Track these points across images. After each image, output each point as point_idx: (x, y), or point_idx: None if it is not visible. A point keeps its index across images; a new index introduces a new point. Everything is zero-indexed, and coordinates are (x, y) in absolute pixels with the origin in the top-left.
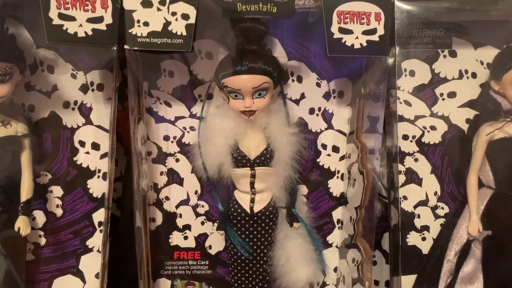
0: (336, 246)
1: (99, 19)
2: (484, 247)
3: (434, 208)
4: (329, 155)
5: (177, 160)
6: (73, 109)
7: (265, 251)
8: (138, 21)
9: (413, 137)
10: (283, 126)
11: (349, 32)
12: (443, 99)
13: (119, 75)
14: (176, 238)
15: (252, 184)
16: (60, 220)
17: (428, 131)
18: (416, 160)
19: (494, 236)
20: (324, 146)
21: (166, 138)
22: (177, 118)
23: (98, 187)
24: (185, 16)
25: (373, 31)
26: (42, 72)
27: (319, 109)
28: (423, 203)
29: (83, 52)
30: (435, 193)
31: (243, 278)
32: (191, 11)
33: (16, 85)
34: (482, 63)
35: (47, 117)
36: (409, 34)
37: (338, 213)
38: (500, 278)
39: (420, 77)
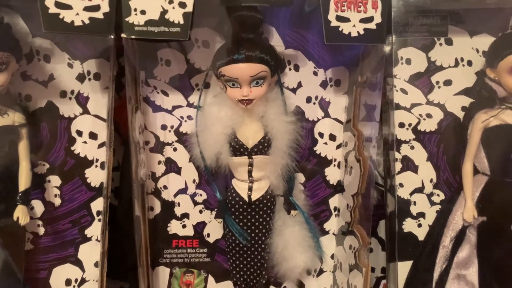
0: (333, 233)
1: (96, 8)
2: (479, 233)
3: (430, 195)
4: (326, 143)
5: (175, 149)
6: (70, 98)
7: (263, 238)
8: (135, 10)
9: (409, 125)
10: (280, 114)
11: (346, 20)
12: (439, 87)
13: (116, 64)
14: (174, 227)
15: (250, 173)
16: (58, 210)
17: (424, 119)
18: (412, 147)
19: (489, 222)
20: (321, 135)
21: (164, 127)
22: (175, 107)
23: (96, 176)
24: (182, 4)
25: (370, 19)
26: (38, 62)
27: (316, 97)
28: (419, 190)
29: (80, 41)
30: (431, 180)
31: (241, 266)
32: None
33: (12, 74)
34: (477, 51)
35: (44, 106)
36: (405, 22)
37: (334, 201)
38: (494, 263)
39: (416, 65)
